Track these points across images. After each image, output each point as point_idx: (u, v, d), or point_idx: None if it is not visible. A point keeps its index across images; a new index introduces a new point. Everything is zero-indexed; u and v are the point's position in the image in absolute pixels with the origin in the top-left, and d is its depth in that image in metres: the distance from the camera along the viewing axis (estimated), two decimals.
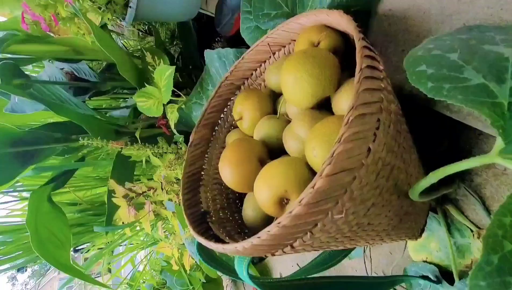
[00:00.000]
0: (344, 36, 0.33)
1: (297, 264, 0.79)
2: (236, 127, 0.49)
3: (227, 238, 0.33)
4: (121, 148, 0.64)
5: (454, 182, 0.40)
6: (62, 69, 0.64)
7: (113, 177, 0.72)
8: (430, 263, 0.46)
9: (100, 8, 0.55)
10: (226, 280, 1.16)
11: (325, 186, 0.20)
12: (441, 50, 0.20)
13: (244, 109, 0.40)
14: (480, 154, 0.40)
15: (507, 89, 0.17)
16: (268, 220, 0.34)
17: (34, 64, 0.72)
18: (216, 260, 0.35)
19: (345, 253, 0.47)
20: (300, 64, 0.27)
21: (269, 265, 0.88)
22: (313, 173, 0.25)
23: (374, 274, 0.57)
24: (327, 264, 0.45)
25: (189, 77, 0.99)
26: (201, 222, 0.35)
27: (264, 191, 0.25)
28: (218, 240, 0.31)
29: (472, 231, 0.41)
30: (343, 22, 0.27)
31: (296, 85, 0.27)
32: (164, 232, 1.05)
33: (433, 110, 0.33)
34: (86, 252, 1.23)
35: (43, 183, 0.79)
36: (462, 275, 0.43)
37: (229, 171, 0.31)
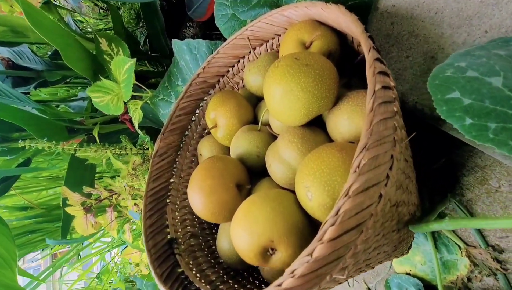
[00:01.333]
0: (339, 34, 0.27)
1: None
2: (209, 132, 0.42)
3: (197, 276, 0.28)
4: (75, 149, 0.55)
5: (446, 197, 0.38)
6: None
7: (69, 180, 0.63)
8: (413, 276, 0.45)
9: None
10: None
11: (327, 252, 0.15)
12: (478, 72, 0.16)
13: (219, 116, 0.34)
14: (474, 168, 0.37)
15: None
16: None
17: None
18: None
19: None
20: (291, 75, 0.21)
21: None
22: (305, 215, 0.20)
23: (355, 282, 0.55)
24: None
25: (159, 64, 0.89)
26: (167, 256, 0.29)
27: (243, 239, 0.19)
28: (187, 286, 0.26)
29: (460, 247, 0.39)
30: (345, 21, 0.21)
31: (285, 101, 0.21)
32: (133, 230, 0.97)
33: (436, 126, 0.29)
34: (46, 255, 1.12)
35: None
36: None
37: (199, 201, 0.25)
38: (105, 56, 0.48)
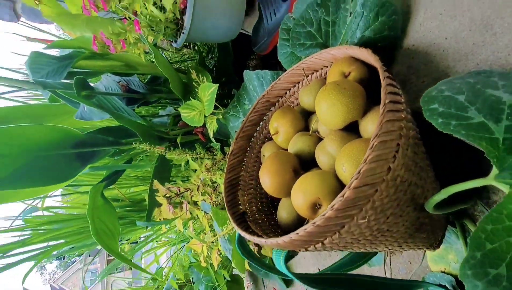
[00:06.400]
0: (369, 67, 0.38)
1: (318, 269, 0.83)
2: (270, 139, 0.55)
3: (263, 236, 0.39)
4: (165, 152, 0.72)
5: (471, 199, 0.44)
6: (118, 82, 0.74)
7: (154, 177, 0.81)
8: (447, 273, 0.50)
9: (152, 29, 0.64)
10: (247, 282, 1.22)
11: (352, 196, 0.25)
12: (451, 92, 0.26)
13: (280, 125, 0.46)
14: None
15: (502, 127, 0.22)
16: (299, 222, 0.39)
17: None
18: (253, 255, 0.41)
19: (365, 259, 0.51)
20: (333, 95, 0.32)
21: (291, 269, 0.93)
22: (341, 184, 0.31)
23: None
24: (347, 267, 0.49)
25: (223, 89, 1.07)
26: (241, 221, 0.41)
27: (300, 197, 0.31)
28: (258, 236, 0.37)
29: None
30: (371, 59, 0.33)
31: (330, 111, 0.33)
32: (193, 231, 1.13)
33: None
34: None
35: (93, 180, 0.89)
36: None
37: (268, 180, 0.37)
38: (194, 83, 0.66)
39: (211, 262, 0.97)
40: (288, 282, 0.96)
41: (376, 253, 0.53)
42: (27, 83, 0.63)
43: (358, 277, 0.40)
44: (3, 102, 0.79)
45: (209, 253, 0.94)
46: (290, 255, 0.37)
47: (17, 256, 0.78)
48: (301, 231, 0.27)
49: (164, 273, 1.24)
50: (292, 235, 0.28)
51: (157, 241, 1.24)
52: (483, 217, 0.19)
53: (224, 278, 1.01)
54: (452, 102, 0.25)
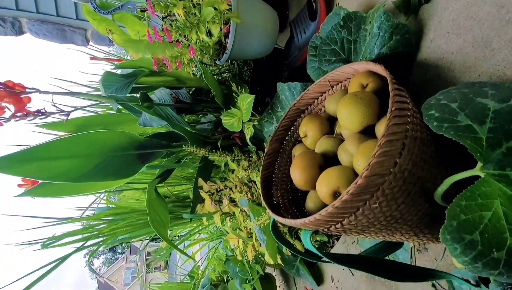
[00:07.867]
0: (385, 79, 0.44)
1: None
2: (299, 141, 0.62)
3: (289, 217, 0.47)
4: (208, 154, 0.83)
5: None
6: (171, 94, 0.87)
7: (198, 176, 0.92)
8: None
9: (202, 51, 0.75)
10: (279, 281, 1.28)
11: (364, 183, 0.32)
12: (447, 100, 0.31)
13: (308, 130, 0.54)
14: None
15: (486, 128, 0.28)
16: None
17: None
18: (284, 239, 0.49)
19: (389, 251, 0.56)
20: (352, 103, 0.39)
21: (322, 268, 0.97)
22: (357, 176, 0.37)
23: None
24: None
25: (257, 98, 1.17)
26: (275, 209, 0.49)
27: (324, 186, 0.38)
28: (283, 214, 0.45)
29: None
30: (384, 73, 0.39)
31: (349, 117, 0.40)
32: (230, 227, 1.23)
33: None
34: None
35: (145, 179, 1.04)
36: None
37: (298, 174, 0.45)
38: (233, 94, 0.76)
39: (246, 257, 1.05)
40: (319, 281, 1.01)
41: (400, 246, 0.57)
42: (102, 97, 0.78)
43: (384, 260, 0.45)
44: (80, 113, 0.96)
45: (244, 248, 1.03)
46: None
47: (83, 241, 0.93)
48: (323, 211, 0.35)
49: (200, 271, 1.36)
50: (316, 215, 0.35)
51: (194, 239, 1.37)
52: (459, 195, 0.25)
53: (258, 272, 1.09)
54: (446, 108, 0.31)
